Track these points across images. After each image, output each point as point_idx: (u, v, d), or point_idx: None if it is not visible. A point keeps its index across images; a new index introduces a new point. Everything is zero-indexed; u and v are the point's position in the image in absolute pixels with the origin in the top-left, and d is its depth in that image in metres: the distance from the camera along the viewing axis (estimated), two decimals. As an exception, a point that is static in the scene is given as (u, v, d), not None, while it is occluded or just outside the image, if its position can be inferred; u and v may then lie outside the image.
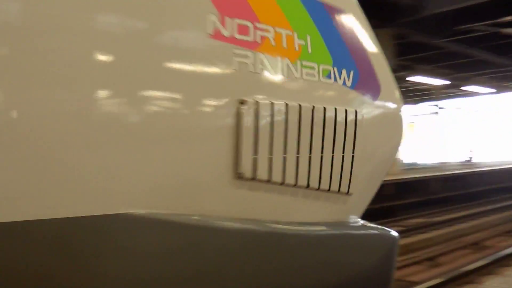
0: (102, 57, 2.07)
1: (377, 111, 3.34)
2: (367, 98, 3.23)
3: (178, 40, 2.36)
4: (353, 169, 3.08)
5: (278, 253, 2.70)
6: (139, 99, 2.19)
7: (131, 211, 2.13)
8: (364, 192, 3.36)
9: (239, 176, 2.47)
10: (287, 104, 2.62)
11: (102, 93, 2.07)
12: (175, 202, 2.30)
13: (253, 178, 2.52)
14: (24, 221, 1.89)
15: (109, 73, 2.06)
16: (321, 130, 2.85)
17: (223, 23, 2.42)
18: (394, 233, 3.42)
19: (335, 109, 2.90)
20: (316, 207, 3.01)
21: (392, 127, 3.54)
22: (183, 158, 2.30)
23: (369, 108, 3.23)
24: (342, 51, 3.11)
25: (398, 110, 3.51)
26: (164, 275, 2.27)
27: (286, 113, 2.63)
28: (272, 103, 2.56)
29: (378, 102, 3.31)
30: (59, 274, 2.06)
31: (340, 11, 3.16)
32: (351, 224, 3.25)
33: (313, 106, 2.78)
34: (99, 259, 2.10)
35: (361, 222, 3.29)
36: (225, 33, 2.42)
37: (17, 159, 1.87)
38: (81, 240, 2.05)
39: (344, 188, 3.03)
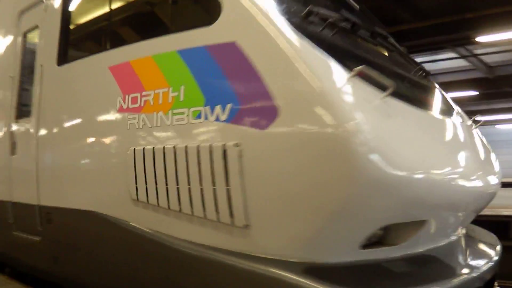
0: (90, 129, 4.53)
1: (276, 139, 3.09)
2: (251, 127, 3.16)
3: (105, 116, 4.38)
4: (248, 199, 3.20)
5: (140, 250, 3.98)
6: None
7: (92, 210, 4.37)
8: (303, 231, 3.15)
9: (131, 197, 3.95)
10: (153, 148, 3.74)
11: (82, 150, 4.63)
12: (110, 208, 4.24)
13: (137, 200, 3.90)
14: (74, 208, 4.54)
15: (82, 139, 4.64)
16: (185, 165, 3.51)
17: (124, 100, 4.04)
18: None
19: (197, 146, 3.41)
20: (203, 231, 3.49)
21: (317, 155, 2.96)
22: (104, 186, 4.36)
23: (257, 137, 3.14)
24: (219, 88, 3.38)
25: (331, 132, 2.88)
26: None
27: (169, 154, 3.61)
28: (157, 149, 3.69)
29: (275, 128, 3.06)
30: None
31: (231, 49, 3.35)
32: (233, 248, 3.33)
33: (175, 146, 3.57)
34: None
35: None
36: (124, 106, 4.02)
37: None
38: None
39: (238, 220, 3.24)
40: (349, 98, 3.08)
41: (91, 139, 4.51)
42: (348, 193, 2.97)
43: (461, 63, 18.17)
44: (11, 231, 5.62)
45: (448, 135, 4.14)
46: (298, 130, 3.01)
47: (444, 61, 17.87)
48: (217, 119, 3.33)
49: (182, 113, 3.55)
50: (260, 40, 3.26)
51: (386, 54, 4.60)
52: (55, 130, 5.00)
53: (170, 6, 4.44)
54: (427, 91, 4.64)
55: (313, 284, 2.92)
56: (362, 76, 3.19)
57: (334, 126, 2.88)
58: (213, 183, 3.34)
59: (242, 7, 3.40)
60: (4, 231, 5.78)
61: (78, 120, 4.72)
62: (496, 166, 4.64)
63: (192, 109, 3.49)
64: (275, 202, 3.16)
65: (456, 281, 3.51)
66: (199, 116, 3.44)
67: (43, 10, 5.41)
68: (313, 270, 3.07)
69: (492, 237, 5.09)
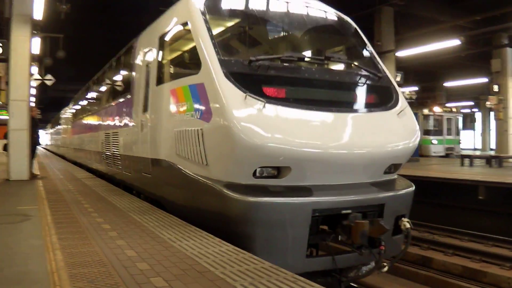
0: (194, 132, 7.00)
1: (214, 125, 6.50)
2: (205, 121, 6.67)
3: (169, 114, 8.04)
4: (207, 155, 6.70)
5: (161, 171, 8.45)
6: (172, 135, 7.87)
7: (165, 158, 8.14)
8: (229, 167, 6.54)
9: (176, 152, 7.56)
10: (185, 130, 7.21)
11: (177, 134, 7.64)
12: (167, 153, 8.02)
13: (177, 153, 7.52)
14: (153, 158, 8.77)
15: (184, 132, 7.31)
16: (183, 137, 7.24)
17: (174, 107, 7.80)
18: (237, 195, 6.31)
19: (186, 130, 7.14)
20: (192, 166, 7.08)
21: (225, 137, 6.32)
22: (172, 146, 7.74)
23: (207, 126, 6.63)
24: (198, 104, 6.91)
25: (226, 124, 6.22)
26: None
27: (182, 133, 7.29)
28: (181, 130, 7.32)
29: (212, 123, 6.52)
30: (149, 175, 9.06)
31: (201, 86, 6.80)
32: (203, 174, 6.85)
33: (183, 130, 7.24)
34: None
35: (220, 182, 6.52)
36: (174, 110, 7.80)
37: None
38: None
39: (204, 162, 6.75)
40: (237, 109, 6.21)
41: (165, 125, 8.23)
42: (234, 151, 6.30)
43: None
44: (141, 173, 9.52)
45: (320, 123, 6.64)
46: (217, 123, 6.40)
47: None
48: (196, 117, 6.91)
49: (187, 114, 7.23)
50: (209, 82, 6.63)
51: (316, 75, 7.21)
52: (153, 119, 8.93)
53: (188, 63, 7.96)
54: (340, 97, 7.40)
55: (225, 190, 6.31)
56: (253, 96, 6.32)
57: (227, 121, 6.21)
58: (195, 145, 6.89)
59: (207, 66, 6.71)
60: (138, 174, 9.86)
61: (160, 115, 8.49)
62: (390, 140, 7.12)
63: (190, 113, 7.12)
64: (214, 154, 6.64)
65: (306, 198, 6.33)
66: (192, 116, 7.06)
67: (152, 53, 9.41)
68: (228, 185, 6.40)
69: (404, 186, 7.56)
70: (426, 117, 30.83)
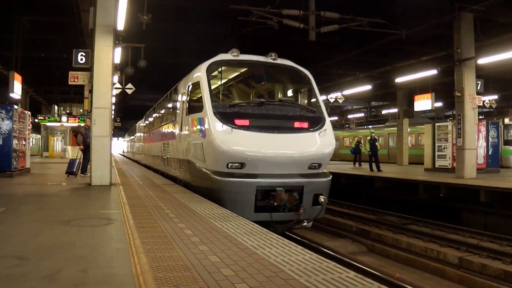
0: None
1: (207, 140, 11.39)
2: (203, 138, 11.65)
3: (190, 132, 13.29)
4: (205, 156, 11.70)
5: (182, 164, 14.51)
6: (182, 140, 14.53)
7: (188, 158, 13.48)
8: (214, 163, 11.32)
9: (192, 155, 12.97)
10: (197, 143, 12.38)
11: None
12: (190, 156, 13.43)
13: (193, 156, 12.76)
14: (187, 159, 13.74)
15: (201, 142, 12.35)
16: (195, 146, 12.47)
17: (192, 129, 12.91)
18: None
19: (197, 142, 12.32)
20: (199, 162, 12.23)
21: (211, 146, 11.17)
22: (188, 149, 13.42)
23: (204, 140, 11.60)
24: (201, 128, 11.89)
25: (211, 140, 11.11)
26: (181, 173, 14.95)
27: (195, 144, 12.57)
28: (195, 142, 12.60)
29: (206, 139, 11.44)
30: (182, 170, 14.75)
31: (203, 119, 11.74)
32: (203, 167, 11.88)
33: (196, 142, 12.45)
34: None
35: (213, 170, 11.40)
36: (193, 130, 12.81)
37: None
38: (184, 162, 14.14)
39: (204, 160, 11.79)
40: (218, 132, 11.03)
41: (189, 139, 13.13)
42: (215, 153, 11.13)
43: None
44: (180, 168, 14.74)
45: (264, 139, 11.13)
46: (208, 139, 11.24)
47: None
48: (200, 136, 11.93)
49: (197, 133, 12.28)
50: (205, 117, 11.44)
51: (270, 111, 11.87)
52: (184, 135, 13.69)
53: (199, 105, 12.20)
54: (283, 124, 11.67)
55: (212, 174, 11.15)
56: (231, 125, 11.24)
57: (212, 138, 11.08)
58: (200, 151, 11.90)
59: (205, 108, 11.53)
60: (178, 169, 15.13)
61: (187, 133, 13.33)
62: (311, 148, 11.67)
63: (197, 133, 12.22)
64: (208, 155, 11.49)
65: (251, 179, 10.98)
66: (198, 134, 12.08)
67: (185, 95, 14.00)
68: (214, 172, 11.18)
69: (322, 176, 11.95)
70: (506, 126, 29.67)
